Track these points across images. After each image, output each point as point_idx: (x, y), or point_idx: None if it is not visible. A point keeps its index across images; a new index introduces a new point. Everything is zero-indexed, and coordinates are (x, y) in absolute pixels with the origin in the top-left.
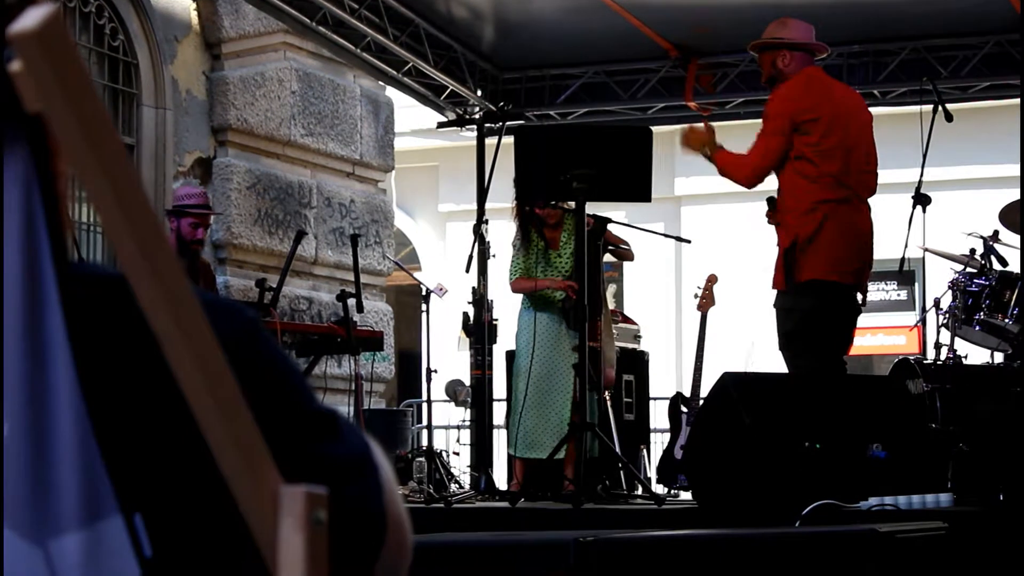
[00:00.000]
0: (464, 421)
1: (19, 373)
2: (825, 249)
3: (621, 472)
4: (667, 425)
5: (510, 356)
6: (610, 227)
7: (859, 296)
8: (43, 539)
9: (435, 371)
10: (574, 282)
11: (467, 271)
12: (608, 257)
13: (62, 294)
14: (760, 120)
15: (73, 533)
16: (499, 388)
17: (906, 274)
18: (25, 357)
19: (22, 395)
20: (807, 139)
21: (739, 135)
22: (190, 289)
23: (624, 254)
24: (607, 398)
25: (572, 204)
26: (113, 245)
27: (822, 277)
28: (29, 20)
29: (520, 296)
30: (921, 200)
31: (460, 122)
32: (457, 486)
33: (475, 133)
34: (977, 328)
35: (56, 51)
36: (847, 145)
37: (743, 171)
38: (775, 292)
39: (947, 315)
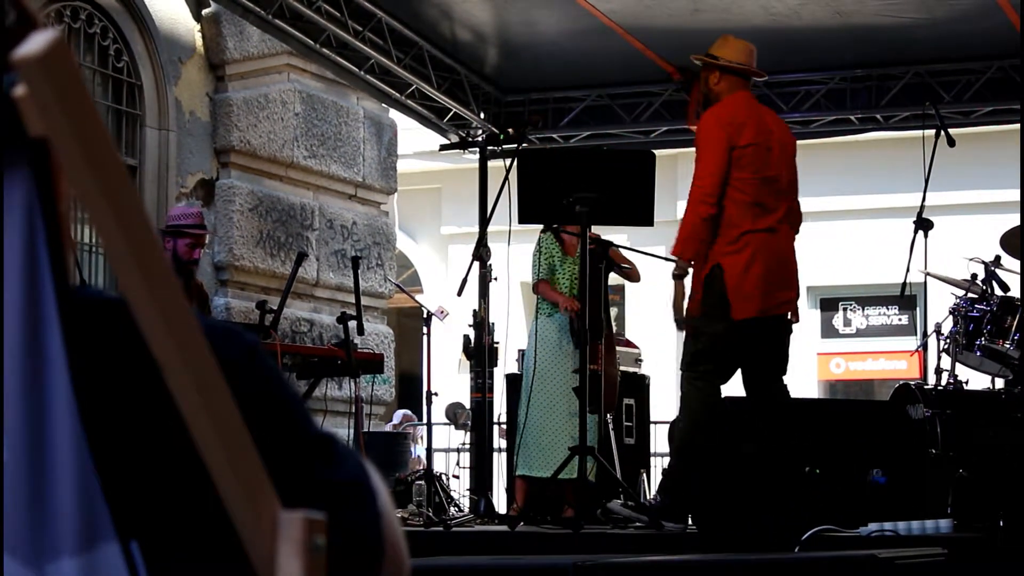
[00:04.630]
0: (464, 444)
1: (18, 397)
2: (756, 285)
3: (621, 496)
4: (667, 449)
5: (510, 379)
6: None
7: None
8: (41, 564)
9: (436, 394)
10: (577, 302)
11: (459, 294)
12: (613, 279)
13: (63, 318)
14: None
15: (70, 558)
16: (499, 411)
17: (907, 299)
18: (24, 381)
19: (21, 419)
20: (736, 165)
21: None
22: (191, 313)
23: (630, 274)
24: (609, 421)
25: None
26: (114, 268)
27: (755, 315)
28: (34, 45)
29: (533, 303)
30: (923, 225)
31: (463, 145)
32: (456, 509)
33: (478, 156)
34: (978, 353)
35: (60, 76)
36: (775, 172)
37: (690, 207)
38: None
39: (948, 340)
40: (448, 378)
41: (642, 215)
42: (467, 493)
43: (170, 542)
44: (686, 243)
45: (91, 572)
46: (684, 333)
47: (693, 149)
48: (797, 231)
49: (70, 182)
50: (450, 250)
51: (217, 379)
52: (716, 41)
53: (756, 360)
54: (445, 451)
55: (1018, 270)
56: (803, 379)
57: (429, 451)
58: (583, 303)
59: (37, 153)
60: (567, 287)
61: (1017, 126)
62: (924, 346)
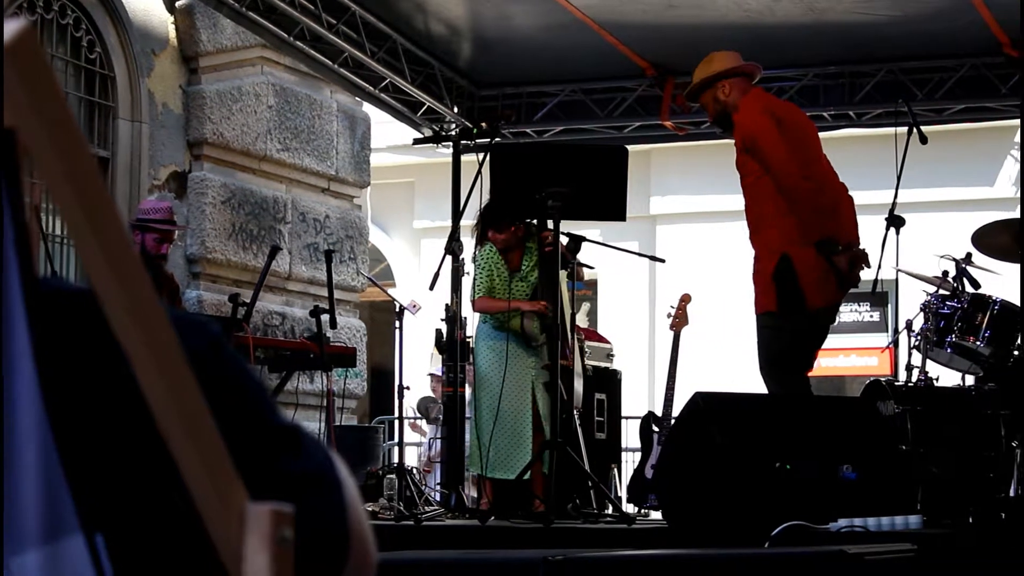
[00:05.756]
0: (435, 438)
1: None
2: (821, 272)
3: (591, 491)
4: (638, 444)
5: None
6: (584, 245)
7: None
8: (6, 557)
9: (407, 388)
10: (545, 301)
11: (431, 288)
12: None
13: (29, 309)
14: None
15: (34, 551)
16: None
17: (879, 295)
18: None
19: None
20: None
21: (714, 153)
22: (158, 304)
23: (578, 272)
24: (575, 414)
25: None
26: (82, 259)
27: (824, 304)
28: (2, 34)
29: (478, 316)
30: (895, 222)
31: (436, 139)
32: (427, 504)
33: (451, 150)
34: (948, 350)
35: (29, 66)
36: (817, 155)
37: (798, 198)
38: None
39: (919, 337)
40: (420, 372)
41: (614, 210)
42: (437, 487)
43: (136, 534)
44: (823, 222)
45: (55, 565)
46: (759, 332)
47: (666, 145)
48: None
49: (38, 172)
50: (423, 244)
51: (184, 370)
52: (702, 64)
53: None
54: (416, 445)
55: (989, 268)
56: None
57: (400, 445)
58: (553, 298)
59: (4, 143)
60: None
61: (989, 124)
62: (895, 343)
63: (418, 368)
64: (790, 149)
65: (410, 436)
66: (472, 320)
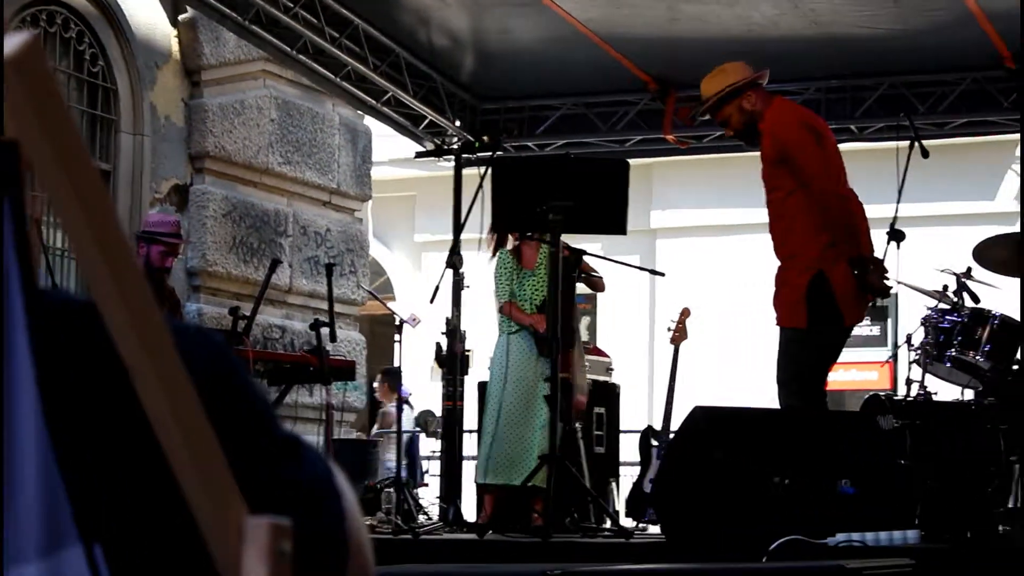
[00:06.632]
0: (434, 452)
1: None
2: (854, 289)
3: (590, 505)
4: (637, 458)
5: (482, 387)
6: (584, 258)
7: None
8: (5, 568)
9: (408, 400)
10: (542, 315)
11: (431, 302)
12: (581, 288)
13: (30, 322)
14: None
15: (34, 563)
16: (470, 419)
17: (879, 309)
18: None
19: None
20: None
21: (715, 167)
22: (160, 316)
23: (596, 283)
24: (577, 428)
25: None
26: (84, 271)
27: (855, 321)
28: (7, 47)
29: (496, 320)
30: (895, 235)
31: (438, 152)
32: (425, 517)
33: (453, 163)
34: (948, 364)
35: (33, 79)
36: (843, 168)
37: (829, 208)
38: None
39: (919, 351)
40: (420, 386)
41: (615, 224)
42: (436, 501)
43: (135, 546)
44: (856, 237)
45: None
46: (785, 346)
47: (667, 159)
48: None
49: (42, 185)
50: (423, 257)
51: (184, 382)
52: (714, 76)
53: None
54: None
55: (989, 282)
56: (773, 389)
57: (398, 459)
58: (554, 311)
59: (7, 155)
60: (529, 301)
61: (991, 138)
62: (895, 357)
63: (418, 382)
64: (826, 163)
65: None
66: (472, 332)
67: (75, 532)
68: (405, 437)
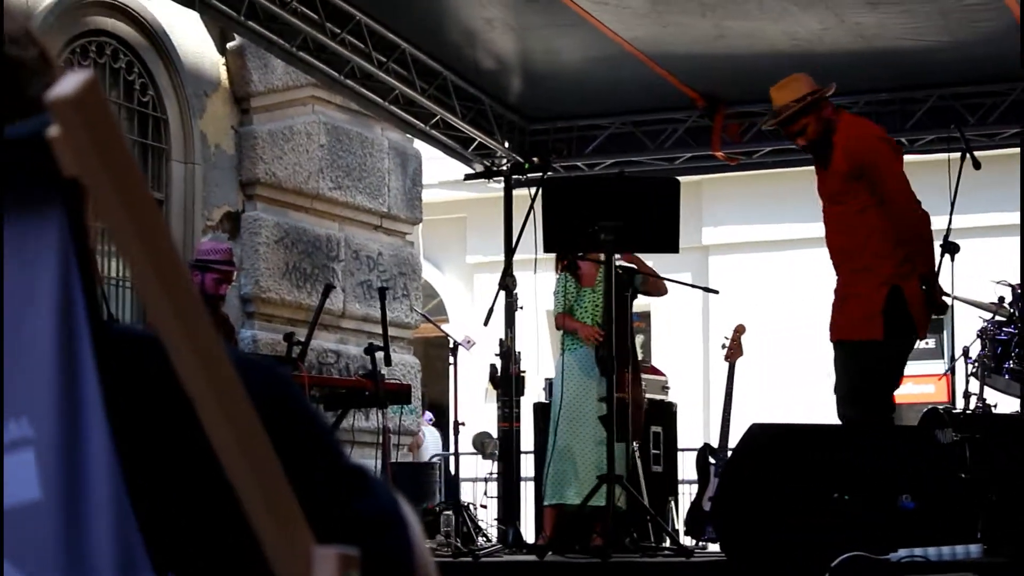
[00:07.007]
0: (491, 474)
1: (55, 435)
2: (925, 303)
3: (649, 524)
4: (695, 477)
5: (538, 408)
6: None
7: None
8: None
9: (463, 424)
10: (601, 330)
11: (485, 324)
12: (638, 306)
13: (97, 355)
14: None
15: None
16: (527, 440)
17: (935, 322)
18: (61, 419)
19: (58, 457)
20: None
21: (765, 183)
22: (223, 348)
23: (658, 286)
24: (636, 448)
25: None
26: (146, 306)
27: (926, 334)
28: (67, 86)
29: (559, 336)
30: (949, 248)
31: (488, 174)
32: (485, 539)
33: (503, 184)
34: (1006, 376)
35: (93, 117)
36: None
37: (907, 220)
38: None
39: (976, 364)
40: (475, 407)
41: (667, 242)
42: (495, 523)
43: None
44: (929, 253)
45: None
46: (852, 358)
47: (717, 176)
48: None
49: (103, 220)
50: (476, 279)
51: (249, 413)
52: (787, 85)
53: None
54: (472, 481)
55: None
56: (828, 404)
57: (456, 481)
58: (608, 331)
59: (70, 192)
60: (589, 318)
61: None
62: (952, 370)
63: (473, 404)
64: (905, 179)
65: (466, 471)
66: (526, 354)
67: (148, 563)
68: (436, 460)
